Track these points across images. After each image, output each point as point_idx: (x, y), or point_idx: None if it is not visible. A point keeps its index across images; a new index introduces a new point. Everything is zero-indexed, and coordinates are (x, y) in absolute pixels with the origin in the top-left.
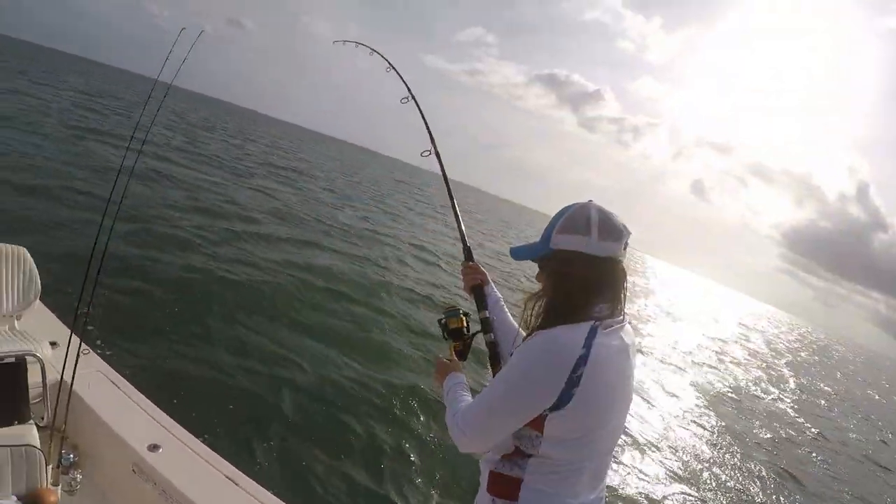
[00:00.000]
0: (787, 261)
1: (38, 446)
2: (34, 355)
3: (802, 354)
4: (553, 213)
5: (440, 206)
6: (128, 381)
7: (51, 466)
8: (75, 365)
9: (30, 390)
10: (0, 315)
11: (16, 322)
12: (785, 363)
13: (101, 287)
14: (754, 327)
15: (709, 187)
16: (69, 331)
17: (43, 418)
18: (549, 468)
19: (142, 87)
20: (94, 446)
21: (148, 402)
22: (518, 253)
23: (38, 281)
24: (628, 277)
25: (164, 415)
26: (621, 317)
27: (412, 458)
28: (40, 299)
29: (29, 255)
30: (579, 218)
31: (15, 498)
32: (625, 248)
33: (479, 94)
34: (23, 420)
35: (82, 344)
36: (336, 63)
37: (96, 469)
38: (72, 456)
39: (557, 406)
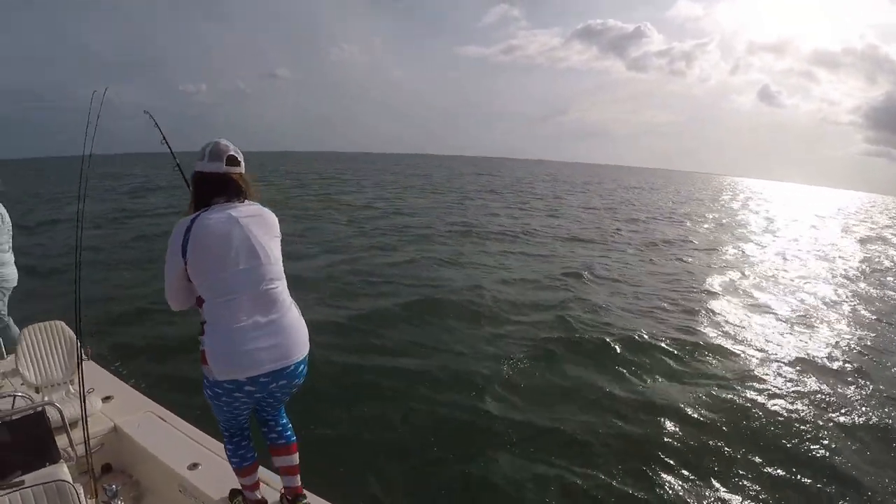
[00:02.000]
0: (875, 142)
1: (70, 481)
2: (54, 405)
3: None
4: (629, 164)
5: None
6: (175, 413)
7: (92, 500)
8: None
9: (71, 434)
10: (55, 383)
11: (70, 386)
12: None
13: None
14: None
15: (776, 91)
16: (121, 383)
17: (72, 458)
18: (211, 305)
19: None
20: (144, 476)
21: (189, 426)
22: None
23: (79, 347)
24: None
25: (206, 435)
26: (238, 201)
27: None
28: (93, 359)
29: (66, 326)
30: (209, 148)
31: None
32: (229, 163)
33: (521, 69)
34: (53, 461)
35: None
36: (378, 81)
37: (147, 496)
38: (114, 486)
39: (185, 262)
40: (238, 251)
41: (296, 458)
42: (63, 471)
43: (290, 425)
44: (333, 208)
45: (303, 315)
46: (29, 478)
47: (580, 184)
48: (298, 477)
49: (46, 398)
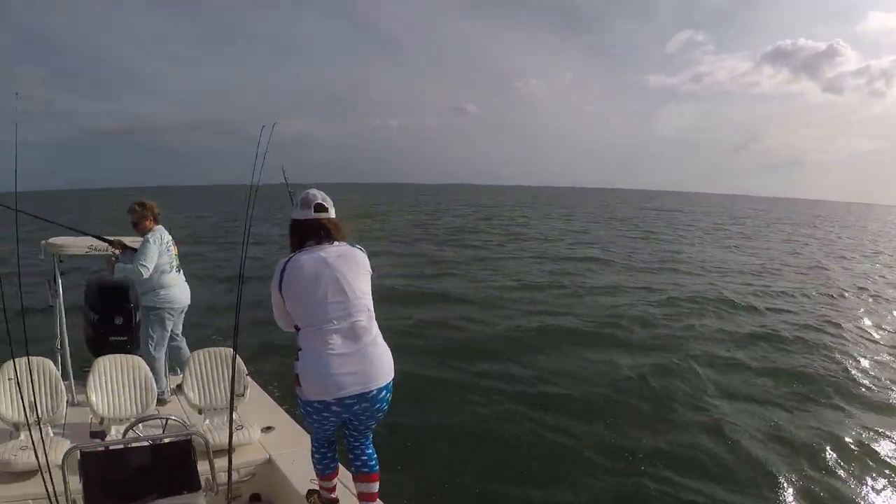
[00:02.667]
0: None
1: None
2: (201, 435)
3: None
4: (831, 198)
5: None
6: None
7: None
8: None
9: (216, 463)
10: (218, 407)
11: (234, 414)
12: None
13: None
14: None
15: None
16: (284, 414)
17: (213, 487)
18: (305, 334)
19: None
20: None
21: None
22: None
23: (246, 377)
24: None
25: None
26: (328, 243)
27: None
28: (261, 387)
29: (237, 355)
30: (304, 196)
31: None
32: (317, 210)
33: (710, 96)
34: (192, 489)
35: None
36: (563, 115)
37: None
38: None
39: (282, 296)
40: (327, 287)
41: (376, 487)
42: (200, 501)
43: (375, 455)
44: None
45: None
46: (164, 503)
47: (807, 221)
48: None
49: (207, 421)
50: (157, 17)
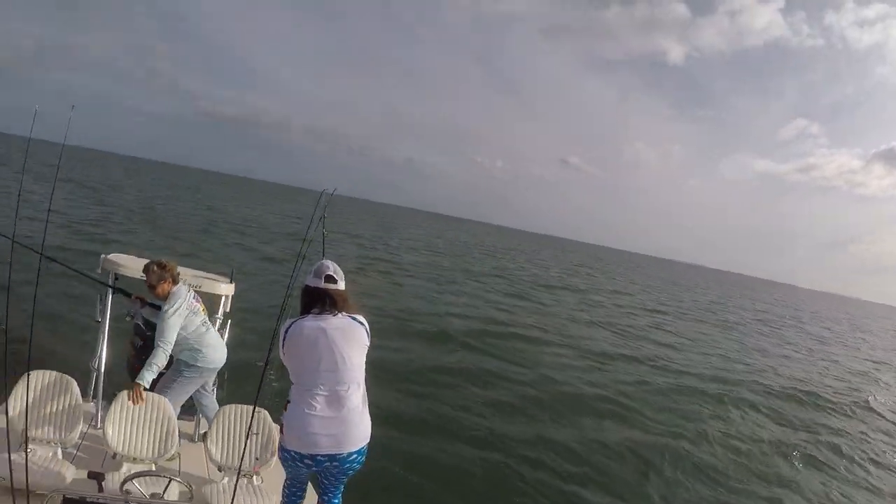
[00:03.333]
0: None
1: None
2: None
3: None
4: None
5: None
6: None
7: None
8: None
9: None
10: (245, 471)
11: (255, 478)
12: None
13: None
14: None
15: None
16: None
17: None
18: (295, 391)
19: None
20: None
21: None
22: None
23: (276, 442)
24: None
25: None
26: (330, 313)
27: None
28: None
29: (268, 416)
30: (318, 267)
31: None
32: (327, 281)
33: (815, 190)
34: None
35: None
36: (665, 185)
37: None
38: None
39: (282, 354)
40: (321, 355)
41: None
42: None
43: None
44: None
45: None
46: None
47: None
48: None
49: (226, 480)
50: (298, 28)
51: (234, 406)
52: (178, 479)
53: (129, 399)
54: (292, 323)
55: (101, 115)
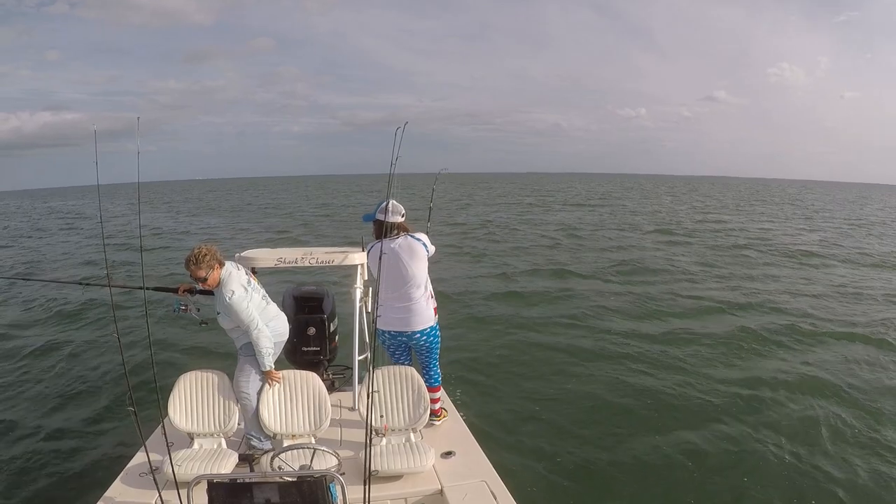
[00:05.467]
0: None
1: None
2: (335, 476)
3: None
4: None
5: None
6: (510, 488)
7: None
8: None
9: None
10: (397, 428)
11: (411, 434)
12: None
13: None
14: None
15: None
16: (471, 438)
17: None
18: (381, 291)
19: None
20: None
21: None
22: (365, 219)
23: (427, 398)
24: None
25: None
26: (390, 237)
27: None
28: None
29: (416, 372)
30: (380, 205)
31: None
32: (385, 216)
33: None
34: None
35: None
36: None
37: None
38: None
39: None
40: (392, 266)
41: (435, 396)
42: None
43: (435, 374)
44: None
45: None
46: None
47: None
48: (436, 406)
49: (385, 442)
50: (401, 17)
51: (384, 368)
52: (324, 448)
53: (268, 384)
54: (371, 246)
55: (252, 145)
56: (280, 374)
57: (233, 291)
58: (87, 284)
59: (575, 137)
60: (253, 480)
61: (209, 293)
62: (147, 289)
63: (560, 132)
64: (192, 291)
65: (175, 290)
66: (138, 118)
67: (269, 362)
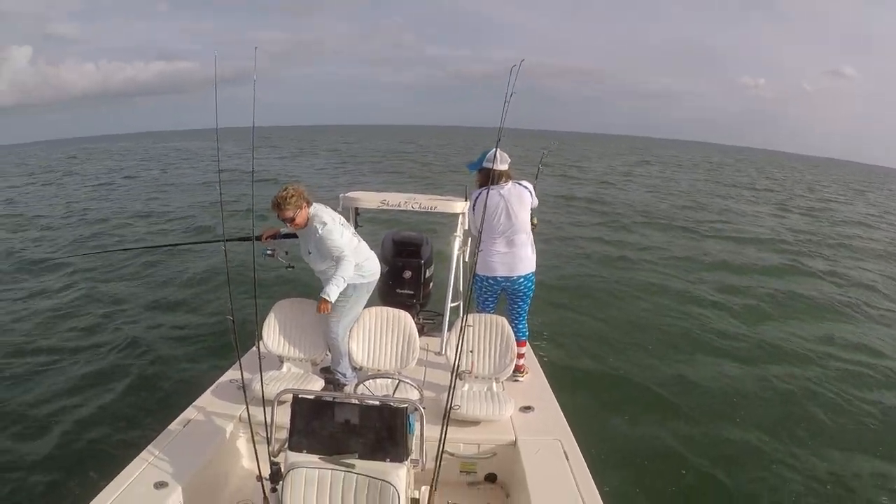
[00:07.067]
0: None
1: (396, 487)
2: (417, 407)
3: None
4: None
5: None
6: (582, 450)
7: None
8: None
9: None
10: (481, 376)
11: (494, 384)
12: None
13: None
14: None
15: None
16: (551, 396)
17: (421, 466)
18: (484, 238)
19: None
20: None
21: (587, 473)
22: (471, 167)
23: (515, 350)
24: None
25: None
26: (498, 184)
27: None
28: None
29: (506, 323)
30: (486, 154)
31: None
32: (494, 164)
33: None
34: (395, 459)
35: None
36: None
37: None
38: None
39: (473, 212)
40: (499, 213)
41: (521, 352)
42: (397, 475)
43: (523, 327)
44: None
45: None
46: (361, 464)
47: None
48: (520, 362)
49: (466, 386)
50: None
51: (476, 315)
52: (408, 380)
53: (317, 311)
54: (479, 193)
55: (360, 94)
56: (330, 305)
57: (324, 223)
58: (203, 242)
59: (684, 105)
60: (337, 400)
61: (293, 236)
62: (228, 240)
63: (670, 95)
64: (275, 236)
65: (259, 238)
66: (255, 48)
67: (333, 292)
